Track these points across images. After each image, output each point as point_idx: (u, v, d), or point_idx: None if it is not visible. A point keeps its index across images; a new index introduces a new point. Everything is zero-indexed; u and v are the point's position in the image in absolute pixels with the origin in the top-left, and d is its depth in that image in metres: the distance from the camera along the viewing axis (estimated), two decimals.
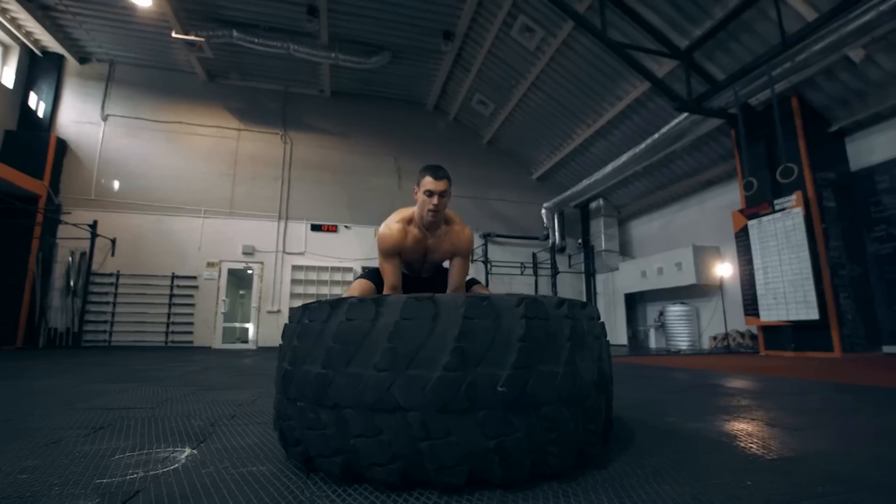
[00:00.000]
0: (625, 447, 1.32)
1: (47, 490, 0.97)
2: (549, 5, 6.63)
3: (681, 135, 7.16)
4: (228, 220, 9.54)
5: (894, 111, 5.68)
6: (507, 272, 10.55)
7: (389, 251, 1.87)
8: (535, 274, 10.73)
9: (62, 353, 6.92)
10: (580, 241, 11.09)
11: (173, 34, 7.92)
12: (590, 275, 10.73)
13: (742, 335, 7.14)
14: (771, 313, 6.07)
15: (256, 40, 8.14)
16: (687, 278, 7.86)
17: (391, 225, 1.89)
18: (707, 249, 7.88)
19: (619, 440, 1.42)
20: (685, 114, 6.57)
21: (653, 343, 8.91)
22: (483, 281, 10.24)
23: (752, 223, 6.45)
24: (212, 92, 9.90)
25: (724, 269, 7.62)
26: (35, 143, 8.53)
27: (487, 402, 0.94)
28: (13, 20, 8.09)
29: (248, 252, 9.52)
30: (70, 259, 8.52)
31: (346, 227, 10.05)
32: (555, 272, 9.11)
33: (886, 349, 5.66)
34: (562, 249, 10.75)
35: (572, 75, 8.08)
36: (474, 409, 0.94)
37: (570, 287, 10.94)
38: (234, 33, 8.05)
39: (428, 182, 1.80)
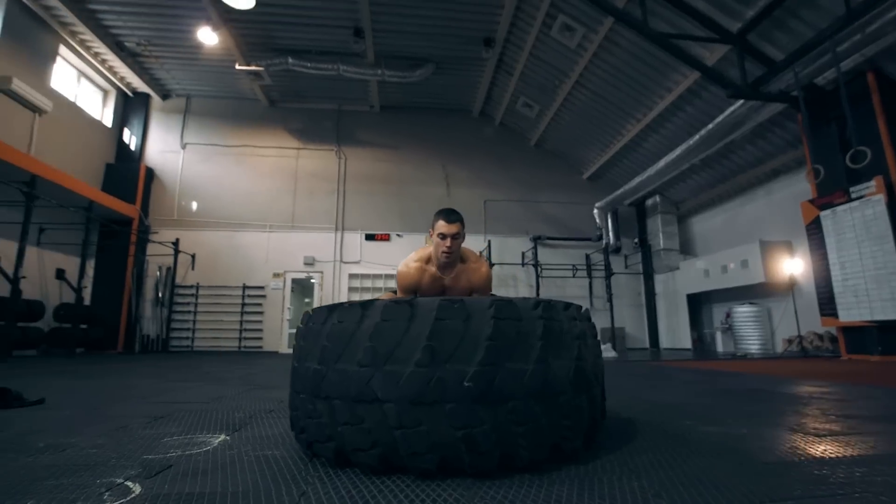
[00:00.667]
0: (617, 446, 1.35)
1: (105, 461, 1.20)
2: (587, 2, 6.52)
3: (739, 123, 6.71)
4: (291, 233, 10.25)
5: None
6: (559, 275, 10.37)
7: (407, 289, 1.98)
8: (590, 276, 10.45)
9: (152, 356, 7.80)
10: (636, 240, 10.64)
11: (237, 66, 8.72)
12: (648, 275, 10.26)
13: (820, 337, 6.50)
14: (851, 313, 5.50)
15: (309, 64, 8.74)
16: (754, 276, 7.30)
17: (409, 264, 1.98)
18: (776, 244, 7.28)
19: (617, 439, 1.44)
20: (741, 101, 6.16)
21: (720, 346, 8.34)
22: (533, 284, 10.15)
23: (824, 214, 5.90)
24: (273, 116, 10.73)
25: (796, 266, 7.00)
26: (129, 172, 9.73)
27: (455, 395, 1.02)
28: (110, 68, 9.31)
29: (309, 262, 10.16)
30: (158, 273, 9.59)
31: (398, 235, 10.41)
32: (608, 273, 8.82)
33: None
34: (617, 250, 10.39)
35: (617, 70, 7.85)
36: (443, 401, 1.02)
37: (627, 288, 10.52)
38: (290, 60, 8.69)
39: (441, 226, 1.89)
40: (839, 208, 5.72)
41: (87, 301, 8.87)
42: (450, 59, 9.09)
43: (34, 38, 7.86)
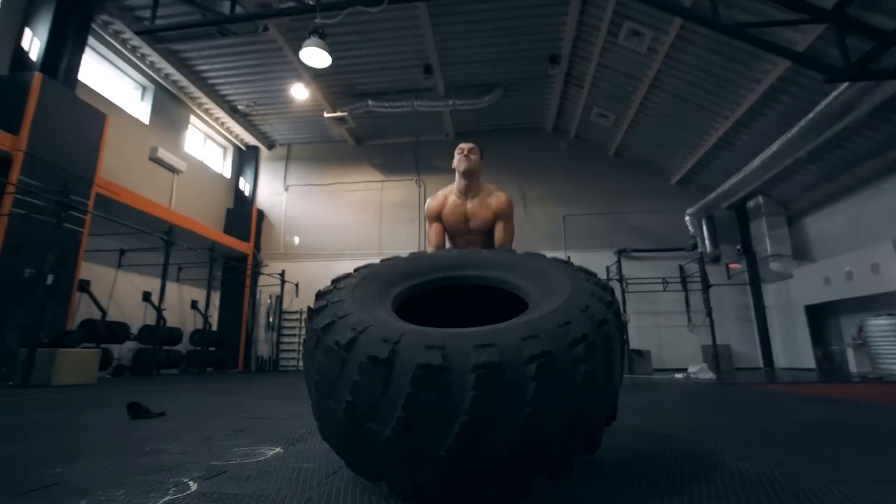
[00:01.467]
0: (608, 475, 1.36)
1: (184, 464, 1.53)
2: (652, 6, 6.28)
3: (848, 108, 5.87)
4: (378, 258, 10.96)
5: None
6: (649, 289, 9.72)
7: (431, 215, 2.23)
8: (685, 289, 9.63)
9: (263, 375, 8.84)
10: (739, 247, 9.60)
11: (325, 114, 9.79)
12: (755, 286, 9.17)
13: None
14: None
15: (386, 104, 9.49)
16: (889, 283, 6.20)
17: (435, 196, 2.26)
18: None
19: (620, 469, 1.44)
20: (845, 84, 5.42)
21: (853, 366, 7.12)
22: (619, 300, 9.61)
23: None
24: (359, 154, 11.74)
25: None
26: (244, 215, 11.29)
27: (431, 462, 0.94)
28: (228, 129, 11.02)
29: None
30: (269, 301, 10.89)
31: None
32: (706, 286, 8.07)
33: None
34: (716, 259, 9.48)
35: (695, 68, 7.35)
36: (420, 466, 0.96)
37: (731, 300, 9.49)
38: (369, 102, 9.53)
39: (457, 148, 2.21)
40: None
41: (214, 327, 10.38)
42: (517, 80, 9.25)
43: (172, 113, 9.64)
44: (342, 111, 9.70)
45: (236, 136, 11.41)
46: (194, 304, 9.85)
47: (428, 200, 2.26)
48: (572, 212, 10.55)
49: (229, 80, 9.30)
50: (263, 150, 11.94)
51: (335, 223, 11.37)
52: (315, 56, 6.29)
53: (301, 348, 10.50)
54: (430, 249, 2.16)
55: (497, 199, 2.16)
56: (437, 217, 2.21)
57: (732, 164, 8.74)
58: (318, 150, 11.85)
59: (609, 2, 6.78)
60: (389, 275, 1.49)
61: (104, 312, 7.64)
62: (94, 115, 6.86)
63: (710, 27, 5.51)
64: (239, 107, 10.25)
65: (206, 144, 11.04)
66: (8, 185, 5.60)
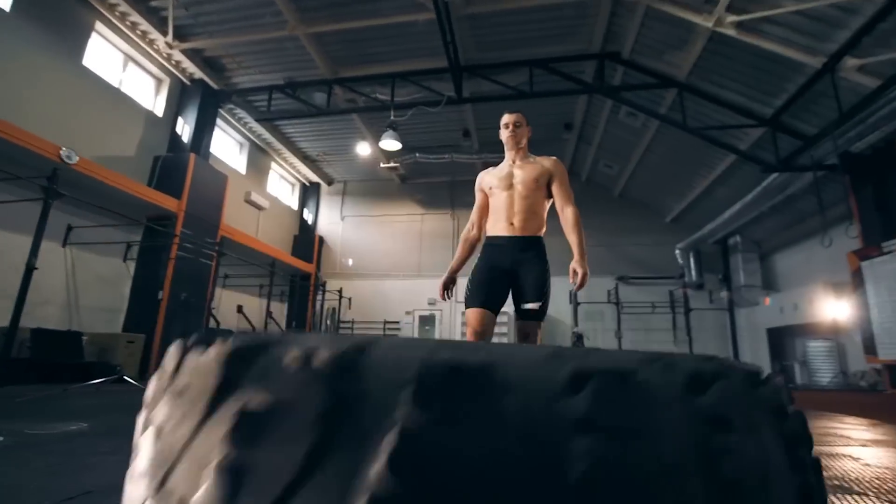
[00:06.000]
0: None
1: None
2: (642, 100, 8.38)
3: (784, 186, 7.87)
4: (417, 279, 13.23)
5: None
6: (642, 311, 11.71)
7: (478, 184, 2.37)
8: (673, 312, 11.59)
9: None
10: (721, 276, 11.53)
11: (381, 165, 12.10)
12: (731, 310, 11.09)
13: (878, 372, 7.20)
14: (890, 351, 6.37)
15: (431, 156, 11.72)
16: (820, 315, 8.13)
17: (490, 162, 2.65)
18: (838, 285, 8.05)
19: None
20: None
21: (798, 379, 9.02)
22: (615, 320, 11.61)
23: (864, 264, 6.83)
24: (403, 190, 14.02)
25: (847, 308, 7.73)
26: (307, 241, 13.67)
27: None
28: (295, 168, 13.41)
29: (432, 303, 12.99)
30: (328, 312, 13.21)
31: None
32: (687, 309, 10.02)
33: None
34: (700, 286, 11.42)
35: (678, 140, 9.36)
36: None
37: (713, 320, 11.41)
38: (416, 154, 11.77)
39: (504, 118, 2.27)
40: (875, 260, 6.65)
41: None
42: (538, 140, 11.21)
43: (260, 162, 12.07)
44: (395, 161, 11.98)
45: (303, 175, 13.81)
46: (269, 315, 12.21)
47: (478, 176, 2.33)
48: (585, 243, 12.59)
49: (307, 138, 11.69)
50: (324, 186, 14.32)
51: (382, 248, 13.65)
52: (390, 144, 8.57)
53: None
54: (467, 225, 2.35)
55: (547, 159, 2.22)
56: (479, 188, 2.28)
57: (714, 211, 10.70)
58: (369, 186, 14.16)
59: (607, 103, 8.91)
60: None
61: (218, 322, 10.03)
62: (220, 177, 9.27)
63: (682, 129, 7.58)
64: (309, 154, 12.63)
65: (280, 183, 13.46)
66: (175, 238, 8.00)
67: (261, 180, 12.13)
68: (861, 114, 6.08)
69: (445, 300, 2.27)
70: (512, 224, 2.13)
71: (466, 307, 2.14)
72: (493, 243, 2.18)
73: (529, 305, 1.99)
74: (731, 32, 6.41)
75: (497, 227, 2.17)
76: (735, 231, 10.98)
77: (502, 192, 2.19)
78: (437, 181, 13.82)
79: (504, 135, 2.28)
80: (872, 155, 6.87)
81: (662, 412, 0.38)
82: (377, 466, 0.36)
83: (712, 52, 7.05)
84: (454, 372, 0.38)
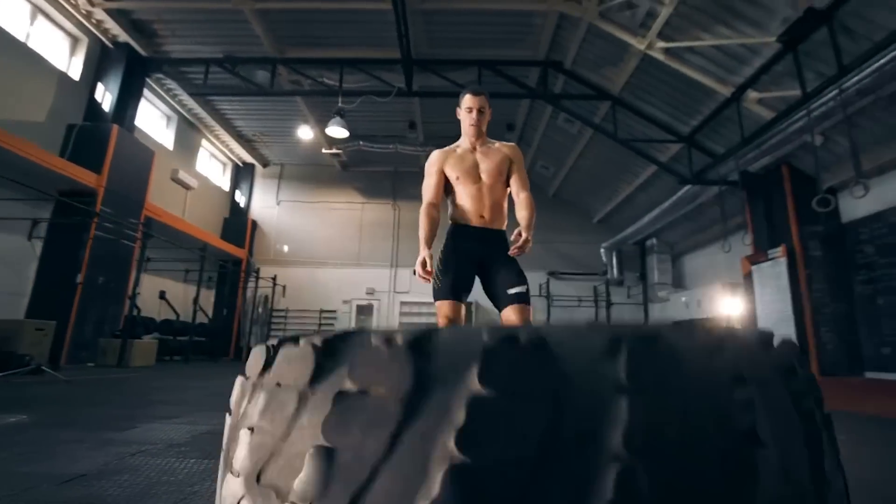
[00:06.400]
0: None
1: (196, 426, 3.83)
2: (580, 109, 8.97)
3: (696, 195, 8.88)
4: (356, 269, 13.13)
5: (854, 179, 6.92)
6: (568, 305, 12.61)
7: (434, 162, 2.08)
8: (596, 305, 12.61)
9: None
10: (638, 274, 12.71)
11: (323, 150, 11.79)
12: (646, 306, 12.31)
13: None
14: None
15: (375, 146, 11.64)
16: (714, 311, 9.32)
17: (435, 151, 2.14)
18: (733, 286, 9.28)
19: None
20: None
21: None
22: (545, 313, 12.43)
23: (754, 268, 7.95)
24: (344, 177, 13.77)
25: (739, 305, 8.97)
26: (239, 224, 13.00)
27: None
28: (229, 147, 12.66)
29: (370, 292, 12.98)
30: (260, 299, 12.71)
31: None
32: (608, 304, 10.98)
33: (869, 374, 6.81)
34: (620, 283, 12.51)
35: (609, 149, 10.15)
36: None
37: (630, 314, 12.58)
38: (360, 143, 11.62)
39: (467, 99, 1.99)
40: (763, 265, 7.77)
41: (209, 321, 12.08)
42: None
43: (189, 139, 11.25)
44: (338, 149, 11.74)
45: (236, 155, 13.06)
46: (195, 302, 11.53)
47: (432, 154, 2.15)
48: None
49: (244, 116, 11.08)
50: (258, 168, 13.65)
51: (320, 236, 13.35)
52: (336, 131, 8.43)
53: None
54: (424, 202, 2.07)
55: (506, 146, 2.09)
56: (439, 168, 2.07)
57: (636, 215, 11.74)
58: (308, 171, 13.73)
59: (548, 109, 9.43)
60: None
61: (139, 310, 9.32)
62: (146, 153, 8.57)
63: (611, 138, 8.25)
64: (245, 133, 11.99)
65: (210, 162, 12.63)
66: (94, 216, 7.31)
67: (189, 158, 11.33)
68: (758, 139, 7.04)
69: (428, 281, 2.00)
70: (482, 217, 2.06)
71: (438, 299, 2.02)
72: (463, 233, 2.06)
73: (517, 289, 1.94)
74: (659, 56, 7.10)
75: (466, 217, 2.07)
76: (652, 234, 12.14)
77: (471, 184, 2.06)
78: (380, 170, 13.74)
79: (466, 119, 2.05)
80: (765, 175, 7.98)
81: (686, 370, 0.44)
82: (452, 439, 0.42)
83: (643, 72, 7.74)
84: (514, 349, 0.45)
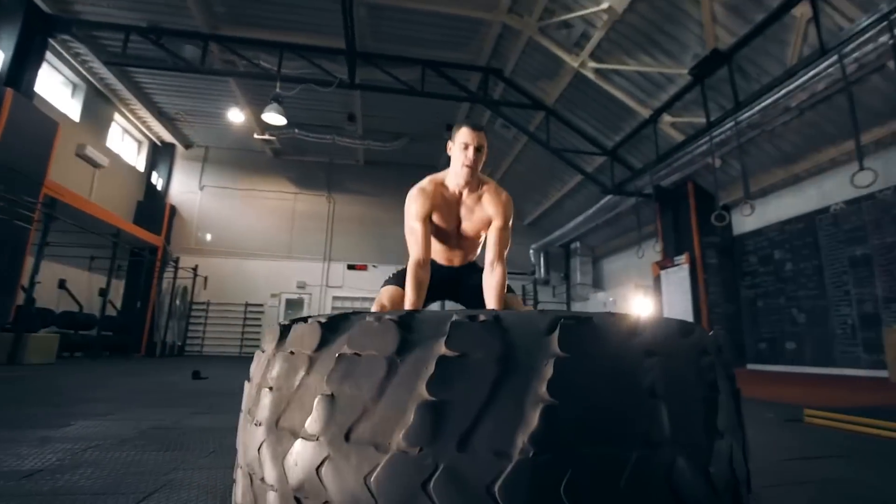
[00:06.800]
0: None
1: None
2: (516, 117, 9.42)
3: (616, 205, 9.73)
4: (287, 261, 12.67)
5: (744, 199, 8.06)
6: None
7: (421, 211, 1.72)
8: (524, 304, 13.29)
9: (172, 359, 10.07)
10: (563, 275, 13.61)
11: (255, 136, 11.21)
12: (569, 304, 13.23)
13: None
14: None
15: (312, 135, 11.30)
16: (627, 310, 10.30)
17: (423, 185, 1.76)
18: (642, 288, 10.31)
19: None
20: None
21: None
22: None
23: (662, 273, 8.92)
24: (276, 165, 13.19)
25: (650, 305, 10.03)
26: (156, 209, 11.96)
27: None
28: (146, 124, 11.59)
29: (301, 286, 12.60)
30: (178, 291, 11.82)
31: (374, 266, 12.99)
32: (535, 302, 11.66)
33: (750, 366, 7.97)
34: (546, 282, 13.30)
35: (541, 156, 10.76)
36: None
37: None
38: (296, 130, 11.22)
39: (464, 133, 1.69)
40: (669, 270, 8.74)
41: (118, 314, 11.03)
42: (421, 134, 11.85)
43: (100, 111, 10.14)
44: (271, 135, 11.24)
45: (154, 133, 11.99)
46: (101, 292, 10.46)
47: (416, 192, 1.77)
48: None
49: (167, 92, 10.21)
50: (180, 149, 12.64)
51: (248, 225, 12.69)
52: (273, 117, 8.09)
53: (204, 335, 11.74)
54: (412, 260, 1.70)
55: (497, 199, 1.79)
56: (427, 214, 1.74)
57: (563, 219, 12.55)
58: (236, 155, 12.96)
59: (486, 113, 9.80)
60: None
61: (33, 300, 8.27)
62: (49, 124, 7.64)
63: (544, 146, 8.79)
64: (166, 110, 11.05)
65: (123, 138, 11.47)
66: None
67: (99, 132, 10.23)
68: (669, 158, 7.91)
69: None
70: (451, 261, 1.94)
71: (385, 284, 1.89)
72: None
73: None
74: (590, 75, 7.70)
75: (434, 257, 1.89)
76: (576, 238, 13.04)
77: (447, 237, 1.85)
78: (315, 161, 13.35)
79: (460, 157, 1.71)
80: (674, 190, 8.96)
81: (609, 344, 0.66)
82: (424, 385, 0.63)
83: (575, 88, 8.34)
84: (474, 324, 0.67)
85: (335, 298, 12.67)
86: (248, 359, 8.64)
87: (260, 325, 12.18)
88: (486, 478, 0.58)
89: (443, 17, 7.74)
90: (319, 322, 0.76)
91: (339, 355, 0.71)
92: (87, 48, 7.96)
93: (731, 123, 6.29)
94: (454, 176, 1.76)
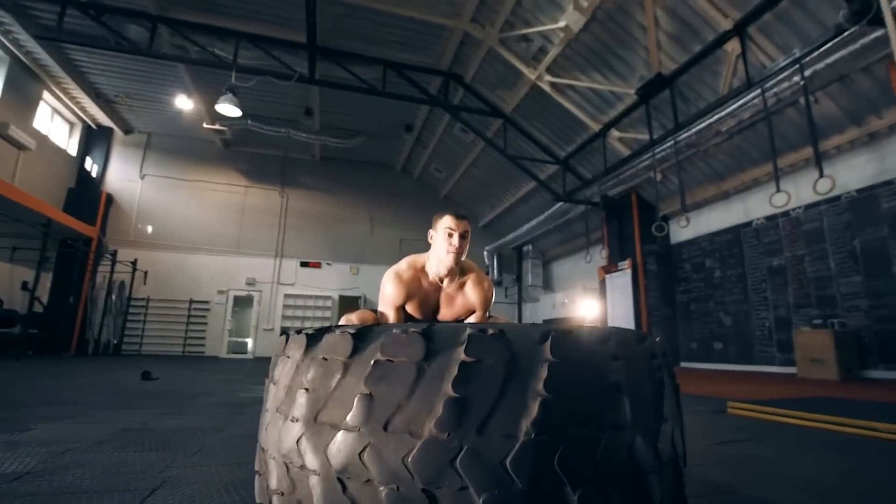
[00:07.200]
0: None
1: (112, 425, 3.76)
2: (475, 122, 9.68)
3: (567, 211, 10.25)
4: (235, 257, 12.22)
5: (680, 211, 8.80)
6: None
7: (394, 299, 1.67)
8: None
9: (106, 358, 9.45)
10: (515, 276, 14.08)
11: (204, 125, 10.71)
12: (520, 305, 13.73)
13: None
14: None
15: (266, 127, 10.96)
16: (572, 312, 10.88)
17: (401, 270, 1.71)
18: (590, 291, 10.93)
19: None
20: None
21: None
22: None
23: (607, 277, 9.51)
24: (226, 157, 12.66)
25: (593, 308, 10.66)
26: (90, 197, 11.12)
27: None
28: (80, 105, 10.74)
29: (251, 283, 12.20)
30: (114, 286, 11.06)
31: (327, 263, 12.82)
32: None
33: (684, 364, 8.69)
34: (499, 283, 13.70)
35: (497, 162, 11.12)
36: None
37: (506, 312, 13.87)
38: (249, 122, 10.84)
39: (448, 220, 1.69)
40: (614, 274, 9.34)
41: (44, 310, 10.16)
42: (379, 133, 11.83)
43: (26, 88, 9.29)
44: (222, 125, 10.79)
45: (89, 116, 11.13)
46: (25, 286, 9.61)
47: (392, 276, 1.72)
48: (408, 237, 13.60)
49: (106, 73, 9.54)
50: (118, 134, 11.82)
51: (194, 218, 12.10)
52: (227, 109, 7.81)
53: (143, 333, 11.06)
54: None
55: (480, 289, 1.77)
56: (401, 303, 1.70)
57: (516, 223, 13.00)
58: (182, 144, 12.31)
59: (446, 116, 9.99)
60: None
61: None
62: None
63: (500, 152, 9.10)
64: (104, 91, 10.31)
65: (53, 120, 10.57)
66: None
67: (25, 112, 9.36)
68: (616, 170, 8.46)
69: None
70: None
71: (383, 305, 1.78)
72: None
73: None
74: (546, 88, 8.08)
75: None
76: (528, 241, 13.54)
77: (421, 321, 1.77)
78: (268, 153, 12.95)
79: (444, 243, 1.67)
80: (619, 200, 9.57)
81: (586, 350, 0.84)
82: (449, 384, 0.78)
83: (532, 99, 8.71)
84: (485, 335, 0.83)
85: (287, 296, 12.37)
86: (194, 359, 8.32)
87: (206, 323, 11.67)
88: (499, 454, 0.74)
89: (407, 20, 7.82)
90: (350, 333, 0.89)
91: (375, 361, 0.84)
92: (13, 18, 7.30)
93: (672, 142, 6.86)
94: (437, 263, 1.71)
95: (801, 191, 6.21)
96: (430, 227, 1.75)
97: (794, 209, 6.66)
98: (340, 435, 0.81)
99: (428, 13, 7.65)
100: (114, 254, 10.94)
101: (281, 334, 1.11)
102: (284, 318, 12.21)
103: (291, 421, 0.90)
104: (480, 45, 8.16)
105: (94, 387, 3.86)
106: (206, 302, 11.78)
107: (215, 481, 1.29)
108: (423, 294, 1.72)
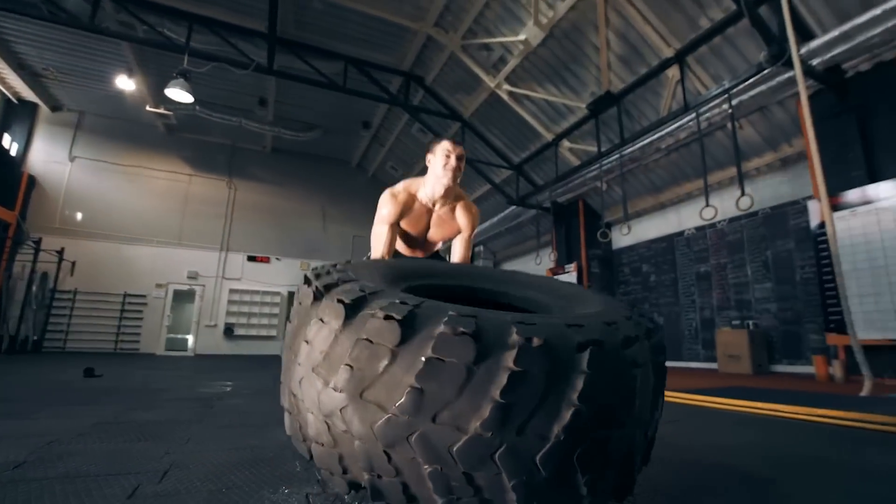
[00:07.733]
0: None
1: (84, 420, 3.71)
2: (433, 123, 9.84)
3: (519, 215, 10.69)
4: (177, 249, 11.59)
5: (623, 219, 9.50)
6: None
7: (390, 216, 1.80)
8: None
9: (25, 356, 8.68)
10: None
11: (147, 108, 10.08)
12: None
13: None
14: None
15: (215, 115, 10.49)
16: None
17: (397, 191, 1.83)
18: None
19: None
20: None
21: None
22: None
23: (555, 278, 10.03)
24: (169, 142, 11.95)
25: None
26: (8, 178, 10.09)
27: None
28: (2, 79, 9.74)
29: (193, 276, 11.62)
30: (36, 277, 10.13)
31: (276, 258, 12.48)
32: None
33: None
34: None
35: None
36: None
37: None
38: (197, 108, 10.32)
39: (447, 144, 1.80)
40: (561, 276, 9.86)
41: None
42: (336, 129, 11.70)
43: None
44: (167, 109, 10.20)
45: (10, 88, 10.10)
46: None
47: (388, 196, 1.84)
48: (361, 234, 13.53)
49: (34, 43, 8.72)
50: (44, 110, 10.82)
51: (131, 206, 11.33)
52: (178, 94, 7.44)
53: (69, 328, 10.18)
54: (373, 256, 1.85)
55: (469, 213, 1.93)
56: (396, 220, 1.83)
57: None
58: (119, 126, 11.48)
59: (404, 116, 10.09)
60: (402, 272, 1.34)
61: None
62: None
63: None
64: (30, 64, 9.42)
65: None
66: None
67: None
68: (566, 178, 8.97)
69: None
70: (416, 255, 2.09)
71: None
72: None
73: None
74: (504, 96, 8.42)
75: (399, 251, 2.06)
76: (481, 242, 13.93)
77: (413, 244, 1.99)
78: (215, 142, 12.39)
79: (443, 161, 1.80)
80: (568, 206, 10.13)
81: (615, 359, 0.93)
82: (498, 390, 0.86)
83: (490, 105, 9.02)
84: (604, 348, 0.94)
85: (232, 291, 11.90)
86: (127, 356, 7.86)
87: (141, 319, 10.98)
88: (532, 452, 0.86)
89: (371, 18, 7.84)
90: (397, 320, 0.91)
91: (426, 359, 0.87)
92: None
93: (617, 155, 7.41)
94: (434, 183, 1.84)
95: (725, 205, 6.94)
96: (428, 152, 1.88)
97: (719, 221, 7.42)
98: (389, 417, 0.87)
99: (393, 14, 7.73)
100: (37, 242, 10.02)
101: (304, 282, 1.10)
102: (229, 313, 11.75)
103: (333, 389, 0.92)
104: (443, 50, 8.34)
105: (30, 385, 3.62)
106: (143, 296, 11.09)
107: (224, 462, 1.37)
108: (415, 214, 1.84)
